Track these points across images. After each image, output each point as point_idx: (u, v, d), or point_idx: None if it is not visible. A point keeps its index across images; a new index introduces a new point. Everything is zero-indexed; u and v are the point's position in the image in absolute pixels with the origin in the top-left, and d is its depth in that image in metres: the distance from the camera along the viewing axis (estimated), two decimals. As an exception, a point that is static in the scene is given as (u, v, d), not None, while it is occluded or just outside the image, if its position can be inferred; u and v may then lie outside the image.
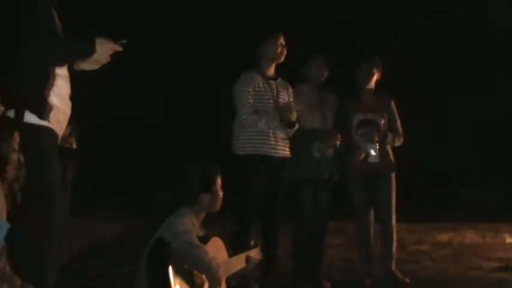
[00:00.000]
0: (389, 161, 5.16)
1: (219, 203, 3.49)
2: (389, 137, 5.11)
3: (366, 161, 5.06)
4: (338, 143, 4.95)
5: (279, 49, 4.74)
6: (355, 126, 5.10)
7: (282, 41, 4.76)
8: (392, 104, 5.26)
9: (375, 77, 5.20)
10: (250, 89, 4.65)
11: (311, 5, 13.26)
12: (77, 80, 2.99)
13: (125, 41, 2.93)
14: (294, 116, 4.64)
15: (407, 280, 4.98)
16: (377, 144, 5.06)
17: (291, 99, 4.88)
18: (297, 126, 4.73)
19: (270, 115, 4.63)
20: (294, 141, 4.84)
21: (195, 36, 13.36)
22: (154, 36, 12.65)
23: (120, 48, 2.92)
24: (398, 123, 5.24)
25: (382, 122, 5.12)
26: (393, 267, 5.10)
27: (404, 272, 5.21)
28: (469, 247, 7.29)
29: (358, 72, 5.20)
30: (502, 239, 7.98)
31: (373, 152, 5.06)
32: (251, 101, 4.63)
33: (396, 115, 5.25)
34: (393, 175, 5.14)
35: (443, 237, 8.17)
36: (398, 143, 5.21)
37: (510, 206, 11.04)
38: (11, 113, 2.70)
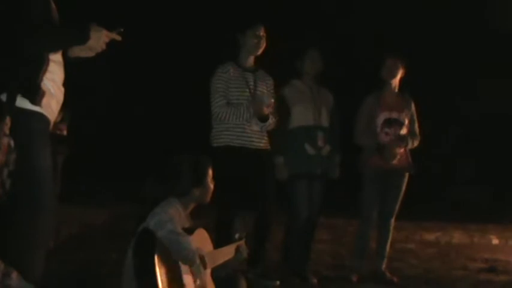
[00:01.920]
0: (408, 161, 5.12)
1: (209, 195, 3.48)
2: (408, 138, 5.06)
3: (388, 159, 5.01)
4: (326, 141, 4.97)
5: (256, 41, 4.70)
6: (381, 124, 5.05)
7: (261, 33, 4.71)
8: (413, 104, 5.19)
9: (400, 74, 5.12)
10: (221, 83, 4.63)
11: (310, 3, 13.26)
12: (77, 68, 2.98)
13: (122, 30, 2.91)
14: (265, 109, 4.56)
15: (395, 279, 5.00)
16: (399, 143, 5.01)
17: (271, 91, 4.82)
18: (270, 121, 4.66)
19: (243, 108, 4.59)
20: (287, 138, 4.85)
21: (191, 31, 13.35)
22: (148, 31, 12.66)
23: (118, 37, 2.91)
24: (416, 125, 5.18)
25: (406, 121, 5.08)
26: (383, 267, 5.12)
27: (391, 269, 5.24)
28: (455, 247, 7.34)
29: (383, 68, 5.10)
30: (488, 240, 8.05)
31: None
32: (221, 95, 4.61)
33: (415, 116, 5.18)
34: (407, 175, 5.12)
35: (431, 236, 8.23)
36: (414, 144, 5.14)
37: (498, 208, 11.12)
38: (3, 97, 2.68)
